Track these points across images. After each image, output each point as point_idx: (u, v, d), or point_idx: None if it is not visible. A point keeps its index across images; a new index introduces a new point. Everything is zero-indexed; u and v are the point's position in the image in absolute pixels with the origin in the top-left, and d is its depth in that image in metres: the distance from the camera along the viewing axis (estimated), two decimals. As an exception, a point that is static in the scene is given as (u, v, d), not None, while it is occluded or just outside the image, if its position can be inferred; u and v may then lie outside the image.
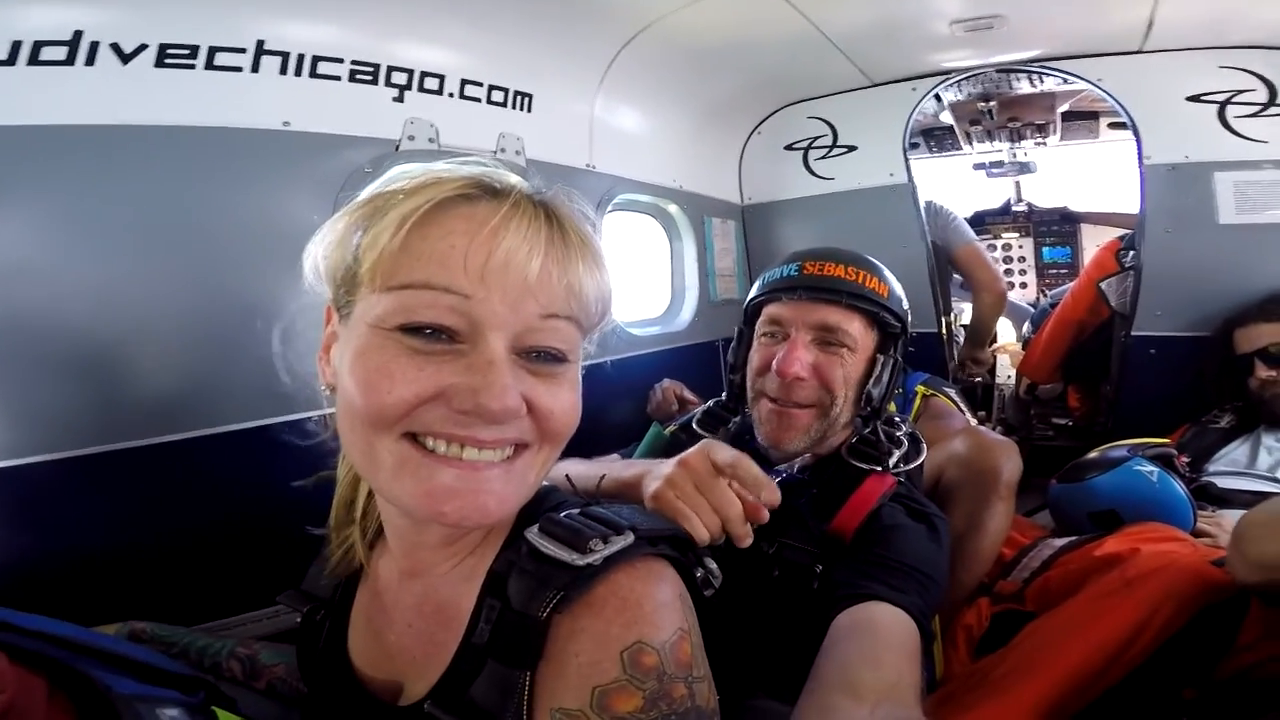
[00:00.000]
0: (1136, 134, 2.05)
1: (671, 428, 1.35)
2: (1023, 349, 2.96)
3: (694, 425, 1.30)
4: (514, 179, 0.59)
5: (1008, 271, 4.17)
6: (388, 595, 0.68)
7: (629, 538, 0.57)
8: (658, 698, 0.51)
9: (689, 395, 1.91)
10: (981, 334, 2.85)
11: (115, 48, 1.04)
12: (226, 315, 1.19)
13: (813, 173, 2.52)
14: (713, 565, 0.67)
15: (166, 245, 1.13)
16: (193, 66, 1.11)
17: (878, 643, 0.79)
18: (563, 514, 0.60)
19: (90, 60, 1.02)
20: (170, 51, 1.09)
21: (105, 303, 1.07)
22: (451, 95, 1.51)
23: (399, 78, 1.40)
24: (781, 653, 0.94)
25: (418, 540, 0.63)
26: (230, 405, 1.20)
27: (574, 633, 0.53)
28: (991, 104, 2.94)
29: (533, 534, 0.58)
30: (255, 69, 1.18)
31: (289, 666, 0.90)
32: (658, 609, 0.55)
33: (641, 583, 0.56)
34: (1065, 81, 2.27)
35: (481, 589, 0.60)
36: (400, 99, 1.41)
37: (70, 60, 1.00)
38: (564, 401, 0.57)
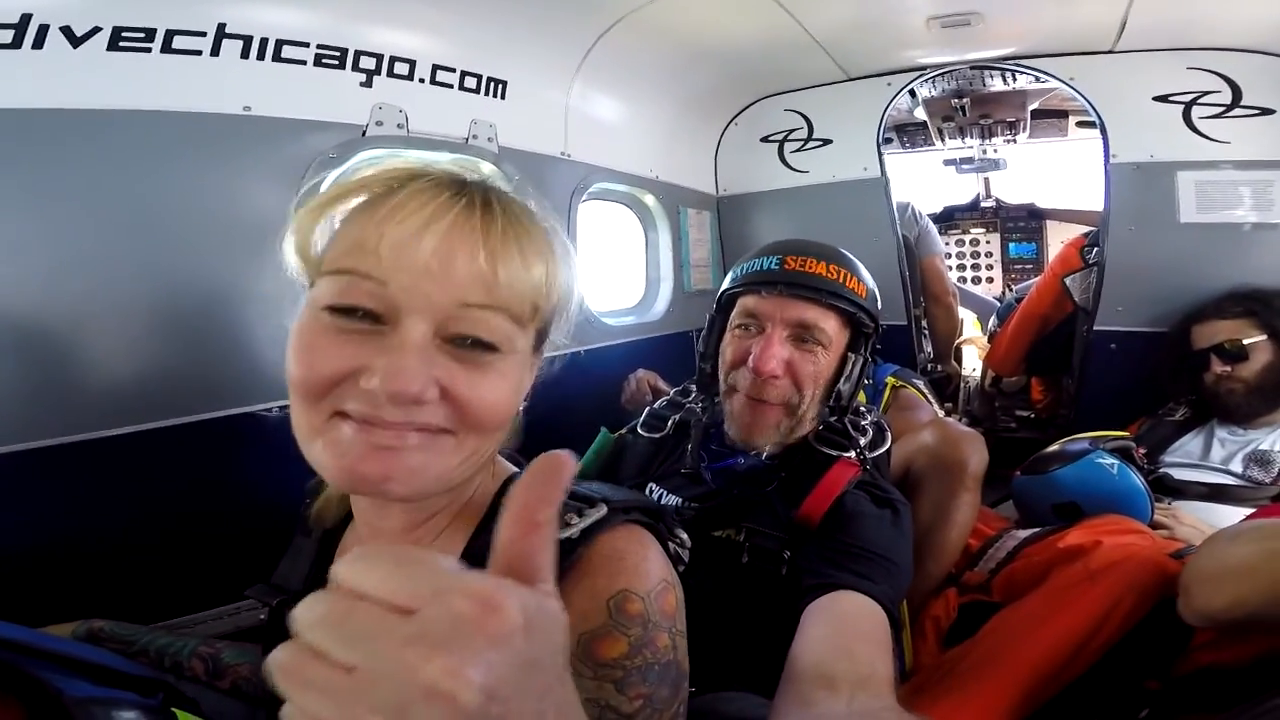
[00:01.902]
0: (1104, 133, 2.10)
1: (620, 431, 1.35)
2: (989, 342, 3.02)
3: (639, 429, 1.30)
4: (457, 168, 0.59)
5: (975, 266, 4.26)
6: None
7: (602, 509, 0.58)
8: (642, 645, 0.52)
9: (663, 385, 1.90)
10: (943, 348, 2.94)
11: (66, 30, 1.00)
12: (185, 303, 1.16)
13: (788, 165, 2.53)
14: (683, 536, 0.68)
15: (122, 231, 1.09)
16: (149, 50, 1.07)
17: (850, 633, 0.80)
18: None
19: (39, 43, 0.97)
20: (125, 34, 1.05)
21: (58, 291, 1.03)
22: (422, 81, 1.47)
23: (367, 62, 1.36)
24: (751, 640, 0.95)
25: (379, 525, 0.62)
26: (189, 395, 1.17)
27: (563, 595, 0.52)
28: (964, 100, 2.98)
29: None
30: (215, 53, 1.14)
31: (254, 666, 0.88)
32: (642, 560, 0.56)
33: (624, 541, 0.58)
34: (1037, 79, 2.30)
35: None
36: (368, 84, 1.37)
37: (17, 44, 0.96)
38: (488, 392, 0.55)
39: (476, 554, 0.57)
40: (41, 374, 1.03)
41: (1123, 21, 1.87)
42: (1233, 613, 0.87)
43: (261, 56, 1.19)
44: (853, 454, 1.12)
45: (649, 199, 2.35)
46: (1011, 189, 4.20)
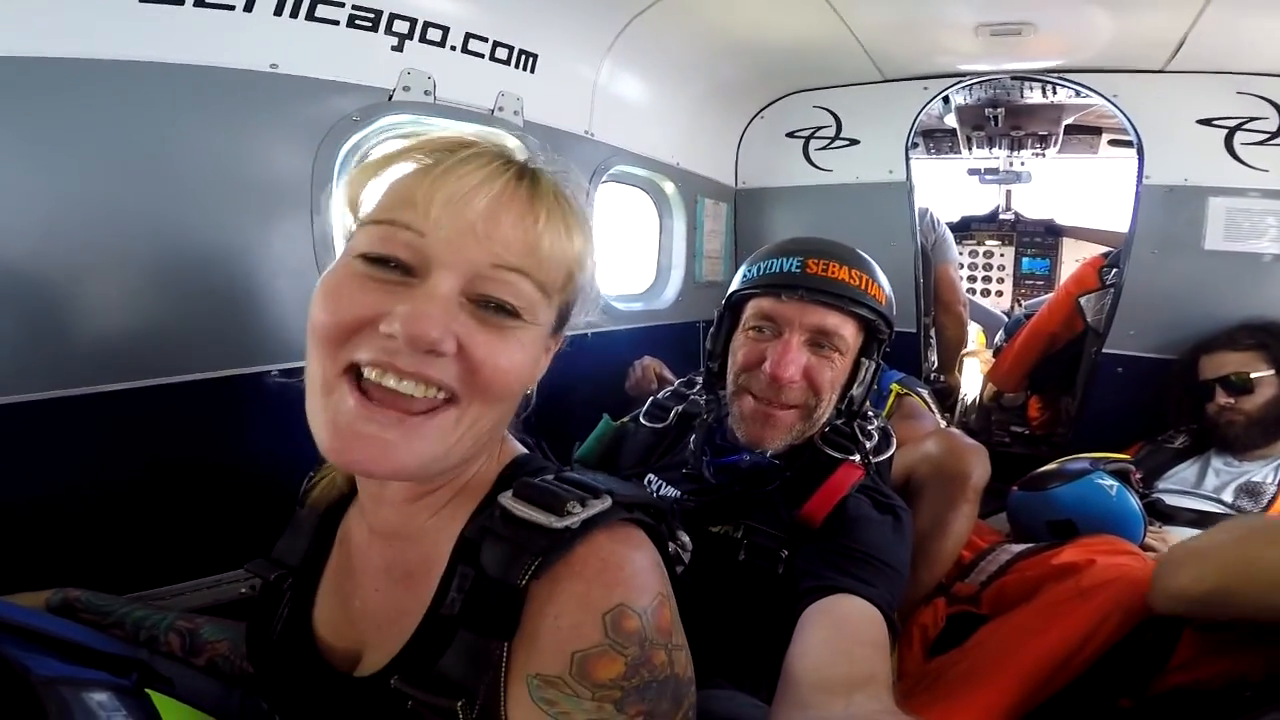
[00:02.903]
0: (1140, 152, 2.07)
1: (623, 419, 1.35)
2: (993, 356, 3.02)
3: (642, 418, 1.30)
4: (507, 142, 0.61)
5: (986, 279, 4.23)
6: (358, 557, 0.67)
7: (607, 501, 0.56)
8: (639, 664, 0.51)
9: (668, 374, 1.90)
10: (949, 358, 2.94)
11: None
12: (190, 259, 1.13)
13: (811, 162, 2.50)
14: (685, 538, 0.68)
15: (132, 184, 1.06)
16: (182, 3, 1.05)
17: (848, 637, 0.80)
18: (537, 479, 0.59)
19: None
20: (161, -15, 1.02)
21: (57, 240, 0.99)
22: (454, 48, 1.44)
23: (400, 26, 1.33)
24: (745, 638, 0.96)
25: (380, 493, 0.62)
26: (185, 354, 1.13)
27: (553, 595, 0.52)
28: (999, 110, 2.94)
29: (506, 498, 0.56)
30: (249, 8, 1.12)
31: (232, 644, 0.86)
32: (638, 573, 0.55)
33: (621, 545, 0.56)
34: (1078, 94, 2.26)
35: (452, 555, 0.59)
36: (399, 48, 1.34)
37: None
38: (503, 357, 0.55)
39: (474, 535, 0.57)
40: (29, 325, 0.99)
41: (1180, 41, 1.83)
42: (1198, 587, 0.92)
43: (295, 14, 1.17)
44: (858, 457, 1.11)
45: (668, 186, 2.32)
46: (1031, 203, 4.16)
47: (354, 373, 0.53)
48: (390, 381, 0.52)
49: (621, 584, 0.53)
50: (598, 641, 0.51)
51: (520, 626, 0.53)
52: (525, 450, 0.69)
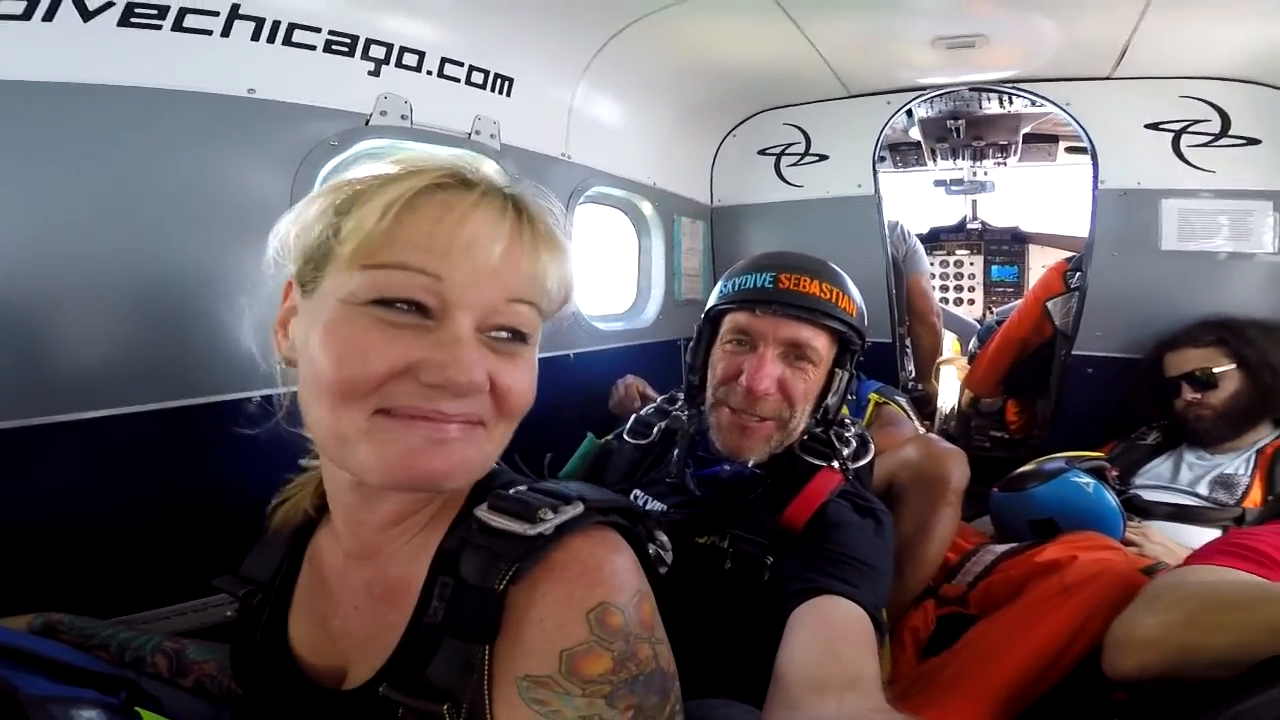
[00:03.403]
0: (1095, 158, 2.14)
1: (607, 437, 1.36)
2: (968, 363, 3.08)
3: (625, 435, 1.31)
4: (487, 169, 0.62)
5: (958, 288, 4.33)
6: (334, 579, 0.67)
7: (578, 507, 0.58)
8: (626, 659, 0.52)
9: (651, 392, 1.91)
10: (925, 367, 3.00)
11: (79, 4, 0.98)
12: (168, 285, 1.13)
13: (783, 179, 2.56)
14: (664, 539, 0.69)
15: (110, 208, 1.06)
16: (159, 27, 1.06)
17: (836, 637, 0.81)
18: (511, 490, 0.60)
19: (49, 16, 0.96)
20: (138, 10, 1.03)
21: (32, 266, 0.99)
22: (430, 73, 1.46)
23: (377, 51, 1.35)
24: (733, 646, 0.96)
25: (365, 518, 0.62)
26: (165, 381, 1.13)
27: (534, 599, 0.54)
28: (959, 122, 3.05)
29: (482, 510, 0.58)
30: (226, 34, 1.13)
31: (220, 664, 0.85)
32: (617, 572, 0.56)
33: (599, 547, 0.57)
34: (1034, 103, 2.34)
35: (431, 568, 0.60)
36: (376, 73, 1.36)
37: (28, 15, 0.94)
38: (522, 381, 0.59)
39: (453, 547, 0.59)
40: (6, 351, 0.98)
41: (1124, 48, 1.91)
42: (1142, 675, 0.93)
43: (272, 39, 1.18)
44: (836, 463, 1.14)
45: (645, 206, 2.36)
46: (997, 212, 4.28)
47: (382, 413, 0.54)
48: (433, 433, 0.55)
49: (602, 583, 0.55)
50: (584, 639, 0.52)
51: (503, 632, 0.54)
52: (495, 465, 0.70)
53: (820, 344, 1.11)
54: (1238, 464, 1.76)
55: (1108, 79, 2.12)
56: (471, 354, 0.54)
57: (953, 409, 3.22)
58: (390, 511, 0.61)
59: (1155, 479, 1.84)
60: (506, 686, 0.52)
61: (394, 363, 0.53)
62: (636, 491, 1.20)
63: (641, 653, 0.53)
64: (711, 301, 1.21)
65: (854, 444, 1.20)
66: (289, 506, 0.72)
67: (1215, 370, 1.80)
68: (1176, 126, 2.05)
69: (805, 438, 1.16)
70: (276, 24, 1.18)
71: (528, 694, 0.51)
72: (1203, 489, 1.74)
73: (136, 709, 0.68)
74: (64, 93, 0.99)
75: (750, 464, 1.13)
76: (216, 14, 1.11)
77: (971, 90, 2.46)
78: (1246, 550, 1.02)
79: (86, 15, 0.99)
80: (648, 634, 0.55)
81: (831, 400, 1.15)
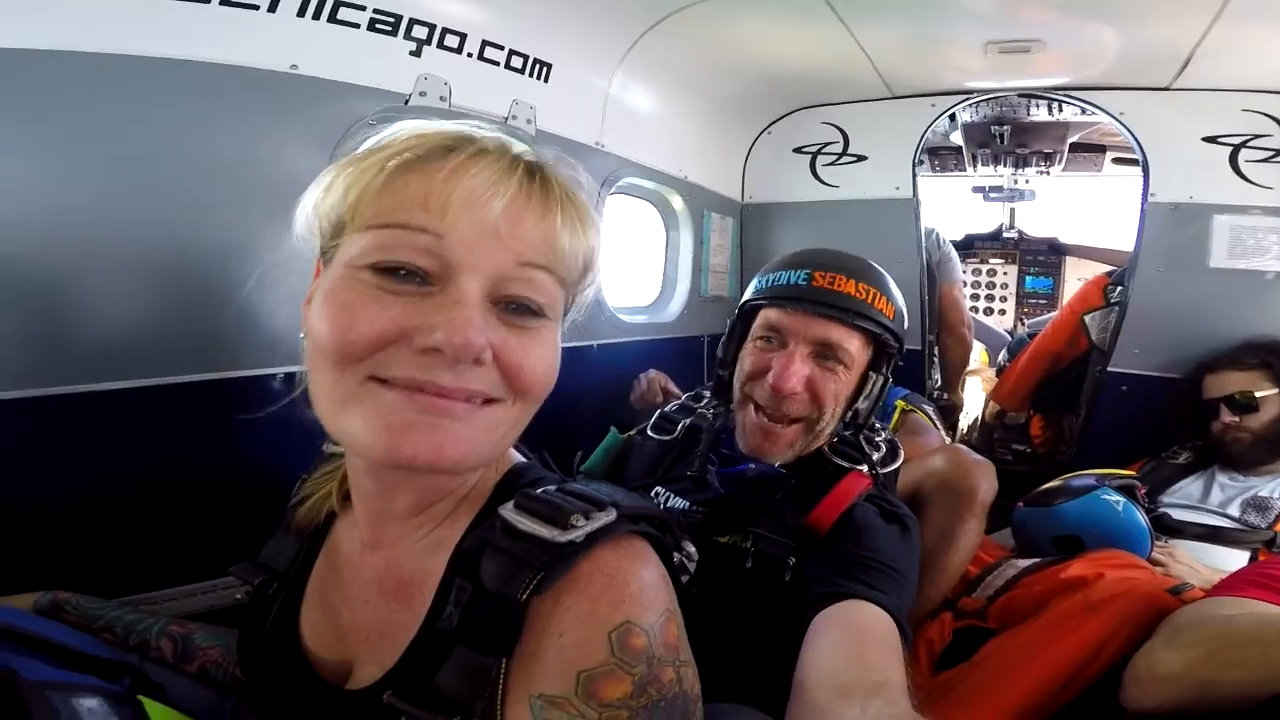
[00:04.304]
0: (1146, 170, 2.08)
1: (630, 432, 1.35)
2: (996, 375, 3.02)
3: (649, 431, 1.30)
4: (505, 138, 0.59)
5: (989, 298, 4.25)
6: (347, 569, 0.65)
7: (611, 514, 0.55)
8: (647, 683, 0.49)
9: (673, 388, 1.90)
10: (953, 377, 2.95)
11: None
12: (198, 261, 1.12)
13: (818, 178, 2.52)
14: (690, 548, 0.66)
15: (146, 180, 1.05)
16: (207, 1, 1.05)
17: (861, 641, 0.79)
18: (539, 490, 0.57)
19: None
20: (188, -18, 1.03)
21: (60, 234, 0.98)
22: (470, 55, 1.46)
23: (420, 31, 1.34)
24: (755, 647, 0.95)
25: (384, 506, 0.60)
26: (192, 355, 1.12)
27: (556, 612, 0.51)
28: (1005, 128, 2.97)
29: (508, 510, 0.55)
30: (272, 8, 1.12)
31: (225, 650, 0.84)
32: (645, 588, 0.53)
33: (628, 560, 0.54)
34: (1084, 112, 2.28)
35: (448, 567, 0.57)
36: (417, 53, 1.36)
37: None
38: (537, 357, 0.55)
39: (473, 547, 0.56)
40: (26, 319, 0.97)
41: (1186, 59, 1.85)
42: (1161, 710, 0.94)
43: (317, 16, 1.18)
44: (865, 467, 1.12)
45: (675, 199, 2.34)
46: (1035, 222, 4.19)
47: (377, 381, 0.52)
48: (428, 405, 0.51)
49: (627, 600, 0.51)
50: (604, 660, 0.49)
51: (521, 644, 0.51)
52: (524, 459, 0.68)
53: (853, 345, 1.09)
54: (1272, 486, 1.72)
55: (1165, 89, 2.05)
56: (468, 314, 0.50)
57: (976, 420, 3.17)
58: (410, 500, 0.59)
59: (1185, 498, 1.81)
60: (519, 705, 0.49)
61: (385, 328, 0.50)
62: (658, 488, 1.19)
63: (664, 676, 0.51)
64: (746, 296, 1.19)
65: (884, 449, 1.18)
66: (311, 505, 0.70)
67: (1257, 394, 1.76)
68: (1236, 140, 1.99)
69: (835, 440, 1.15)
70: (322, 0, 1.18)
71: (540, 714, 0.48)
72: (1234, 510, 1.71)
73: (139, 697, 0.66)
74: (104, 63, 0.99)
75: (776, 461, 1.12)
76: None
77: (1021, 97, 2.40)
78: (1274, 580, 1.01)
79: None
80: (672, 656, 0.52)
81: (863, 404, 1.12)
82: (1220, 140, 2.00)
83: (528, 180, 0.55)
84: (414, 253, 0.51)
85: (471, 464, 0.56)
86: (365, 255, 0.52)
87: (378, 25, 1.28)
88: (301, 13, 1.16)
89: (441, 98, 1.42)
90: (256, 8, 1.11)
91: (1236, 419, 1.76)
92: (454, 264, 0.51)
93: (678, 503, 1.14)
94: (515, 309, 0.54)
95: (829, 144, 2.50)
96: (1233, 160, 1.99)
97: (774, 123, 2.56)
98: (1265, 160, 1.97)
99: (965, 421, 3.19)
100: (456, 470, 0.56)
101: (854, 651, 0.77)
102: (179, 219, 1.10)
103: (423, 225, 0.51)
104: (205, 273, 1.13)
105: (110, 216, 1.03)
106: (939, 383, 2.86)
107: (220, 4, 1.07)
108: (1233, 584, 1.05)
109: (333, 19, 1.21)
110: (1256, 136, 1.97)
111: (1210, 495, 1.78)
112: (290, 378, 0.64)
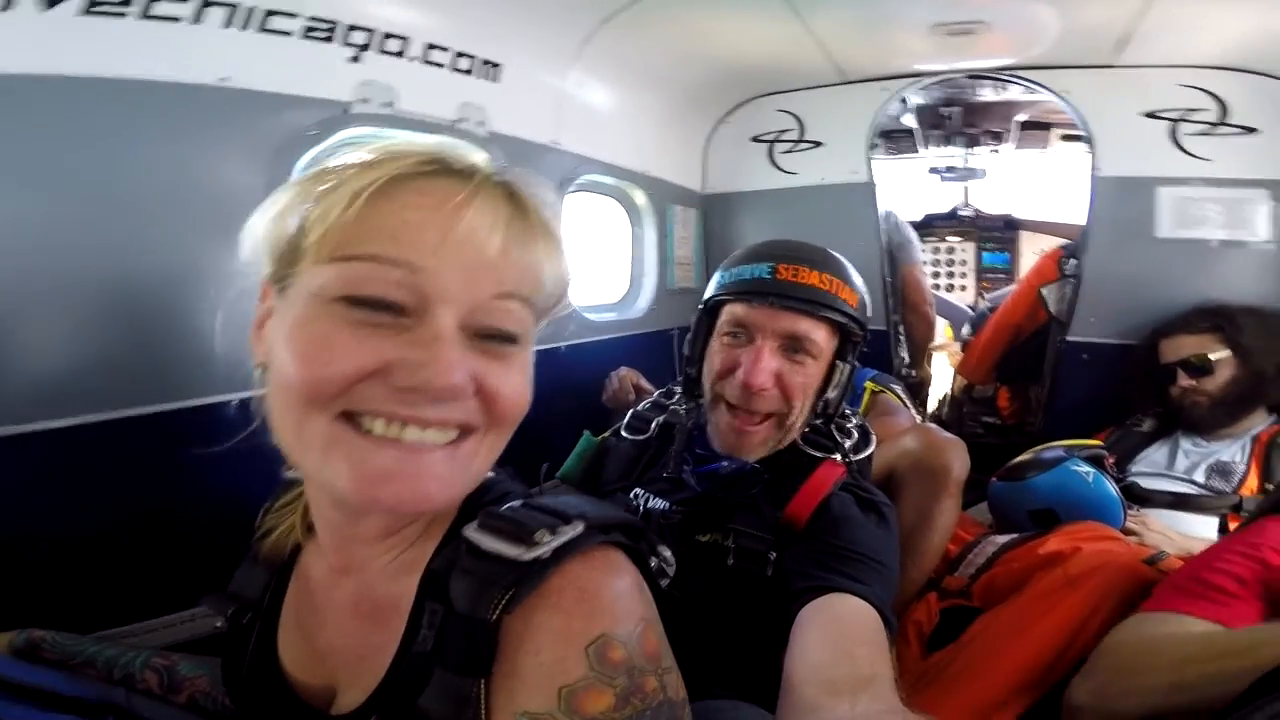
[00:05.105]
0: (1092, 146, 2.14)
1: (604, 435, 1.33)
2: (961, 350, 3.08)
3: (623, 432, 1.29)
4: (475, 157, 0.57)
5: (949, 274, 4.33)
6: (319, 594, 0.63)
7: (579, 527, 0.53)
8: (630, 694, 0.48)
9: (645, 384, 1.89)
10: (918, 355, 3.01)
11: None
12: (138, 285, 1.07)
13: (777, 166, 2.53)
14: (667, 553, 0.65)
15: (74, 204, 1.00)
16: (125, 15, 1.00)
17: (847, 636, 0.79)
18: (504, 506, 0.56)
19: (8, 4, 0.90)
20: (103, -1, 0.97)
21: None
22: (414, 59, 1.41)
23: (358, 37, 1.29)
24: (739, 643, 0.94)
25: (351, 534, 0.58)
26: (139, 385, 1.07)
27: (530, 630, 0.50)
28: (954, 109, 3.02)
29: (472, 530, 0.54)
30: (197, 20, 1.07)
31: (212, 679, 0.82)
32: (617, 599, 0.52)
33: (599, 572, 0.53)
34: (1030, 91, 2.33)
35: (419, 590, 0.56)
36: (357, 59, 1.30)
37: None
38: (513, 384, 0.54)
39: (442, 566, 0.55)
40: None
41: (1125, 36, 1.90)
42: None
43: (246, 26, 1.12)
44: (838, 456, 1.12)
45: (638, 194, 2.31)
46: (989, 199, 4.27)
47: (347, 417, 0.50)
48: (412, 434, 0.50)
49: (601, 613, 0.51)
50: (583, 675, 0.48)
51: (499, 663, 0.50)
52: (490, 474, 0.65)
53: (819, 336, 1.09)
54: (1234, 451, 1.77)
55: (1107, 67, 2.10)
56: (451, 353, 0.50)
57: (945, 395, 3.22)
58: (377, 527, 0.57)
59: (1151, 466, 1.84)
60: None
61: (364, 363, 0.49)
62: (637, 490, 1.17)
63: (648, 686, 0.50)
64: (709, 291, 1.18)
65: (855, 435, 1.18)
66: (276, 538, 0.69)
67: (1211, 356, 1.80)
68: (1174, 115, 2.05)
69: (807, 430, 1.15)
70: (251, 10, 1.12)
71: None
72: (1199, 476, 1.75)
73: None
74: (24, 85, 0.93)
75: (751, 460, 1.11)
76: (186, 0, 1.06)
77: (968, 78, 2.44)
78: (1204, 586, 1.00)
79: (49, 2, 0.93)
80: (654, 665, 0.51)
81: (832, 394, 1.12)
82: (1160, 115, 2.06)
83: (512, 211, 0.54)
84: (388, 286, 0.49)
85: (449, 501, 0.56)
86: (334, 287, 0.50)
87: (312, 33, 1.22)
88: (229, 23, 1.11)
89: (385, 104, 1.37)
90: (179, 20, 1.05)
91: (1194, 382, 1.80)
92: (430, 296, 0.50)
93: (658, 503, 1.13)
94: (491, 337, 0.53)
95: (785, 131, 2.50)
96: (1173, 134, 2.06)
97: (730, 112, 2.56)
98: (1203, 134, 2.04)
99: (935, 397, 3.24)
100: (435, 510, 0.56)
101: (840, 647, 0.77)
102: (112, 243, 1.04)
103: (397, 259, 0.49)
104: (147, 299, 1.08)
105: (43, 244, 0.97)
106: (906, 360, 2.90)
107: (141, 18, 1.01)
108: (1162, 594, 1.04)
109: (264, 29, 1.15)
110: (1194, 110, 2.04)
111: (1175, 462, 1.82)
112: (245, 404, 0.62)
